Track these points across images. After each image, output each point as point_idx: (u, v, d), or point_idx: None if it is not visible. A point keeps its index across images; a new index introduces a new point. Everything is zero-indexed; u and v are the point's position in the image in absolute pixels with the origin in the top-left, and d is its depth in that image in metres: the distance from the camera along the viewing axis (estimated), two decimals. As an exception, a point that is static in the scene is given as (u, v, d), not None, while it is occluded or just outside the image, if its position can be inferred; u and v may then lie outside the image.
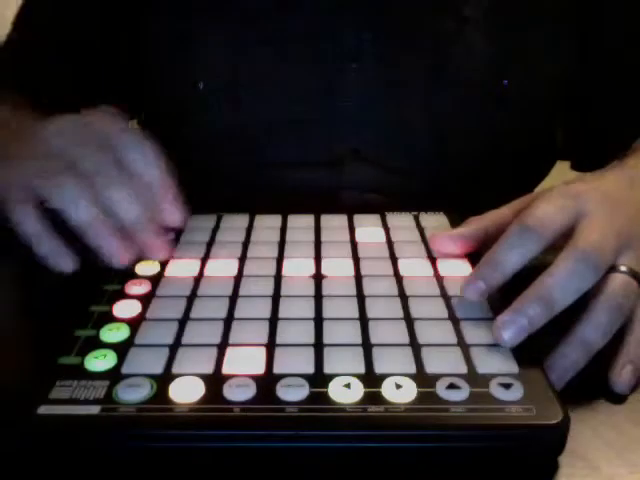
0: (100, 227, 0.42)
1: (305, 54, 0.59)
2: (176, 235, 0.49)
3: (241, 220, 0.52)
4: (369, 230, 0.50)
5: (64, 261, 0.43)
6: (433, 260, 0.45)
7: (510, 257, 0.38)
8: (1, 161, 0.47)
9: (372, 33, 0.59)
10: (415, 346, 0.36)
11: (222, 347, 0.36)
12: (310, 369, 0.34)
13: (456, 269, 0.44)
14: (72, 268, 0.43)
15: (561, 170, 0.71)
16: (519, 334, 0.35)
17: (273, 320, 0.38)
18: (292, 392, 0.32)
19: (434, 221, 0.51)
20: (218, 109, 0.61)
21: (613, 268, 0.38)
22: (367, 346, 0.36)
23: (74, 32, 0.65)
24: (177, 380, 0.33)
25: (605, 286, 0.37)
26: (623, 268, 0.38)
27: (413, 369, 0.34)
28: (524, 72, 0.59)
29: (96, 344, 0.36)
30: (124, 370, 0.34)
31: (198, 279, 0.43)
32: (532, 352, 0.35)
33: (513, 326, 0.35)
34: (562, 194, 0.40)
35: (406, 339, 0.36)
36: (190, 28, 0.61)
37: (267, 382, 0.33)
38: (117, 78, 0.67)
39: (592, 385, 0.37)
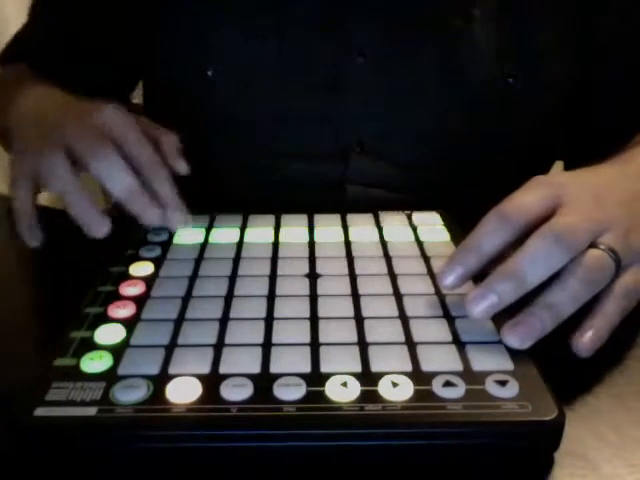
0: (139, 196, 0.44)
1: (310, 48, 0.59)
2: (170, 235, 0.50)
3: (234, 220, 0.52)
4: (363, 229, 0.50)
5: (97, 227, 0.44)
6: (427, 258, 0.45)
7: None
8: (41, 125, 0.48)
9: (379, 29, 0.59)
10: (411, 344, 0.36)
11: (218, 347, 0.36)
12: (307, 368, 0.34)
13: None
14: (105, 233, 0.44)
15: (560, 170, 0.71)
16: (490, 309, 0.36)
17: (269, 320, 0.38)
18: (289, 391, 0.32)
19: (427, 220, 0.52)
20: (225, 99, 0.61)
21: (593, 245, 0.38)
22: (363, 345, 0.36)
23: (88, 29, 0.66)
24: (174, 380, 0.33)
25: (579, 258, 0.38)
26: (601, 245, 0.38)
27: (409, 367, 0.34)
28: (528, 71, 0.60)
29: (91, 345, 0.36)
30: (120, 371, 0.34)
31: (193, 279, 0.43)
32: (527, 349, 0.35)
33: (484, 301, 0.36)
34: (542, 183, 0.41)
35: (402, 337, 0.36)
36: (200, 18, 0.61)
37: (264, 381, 0.33)
38: (124, 70, 0.67)
39: (592, 384, 0.37)
